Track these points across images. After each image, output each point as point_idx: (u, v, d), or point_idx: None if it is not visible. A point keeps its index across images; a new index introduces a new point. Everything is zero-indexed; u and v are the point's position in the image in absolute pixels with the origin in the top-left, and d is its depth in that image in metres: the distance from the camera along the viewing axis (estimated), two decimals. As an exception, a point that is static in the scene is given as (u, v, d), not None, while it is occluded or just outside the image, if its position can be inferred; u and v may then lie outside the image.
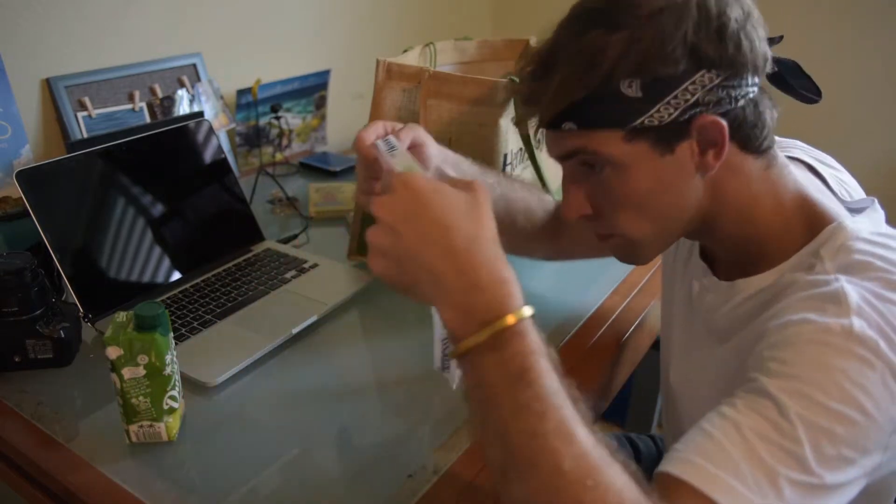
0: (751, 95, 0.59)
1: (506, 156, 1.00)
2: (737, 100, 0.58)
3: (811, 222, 0.61)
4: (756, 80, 0.59)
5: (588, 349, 0.89)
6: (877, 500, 0.60)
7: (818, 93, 0.65)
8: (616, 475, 0.47)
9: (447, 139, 0.96)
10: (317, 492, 0.67)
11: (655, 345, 1.10)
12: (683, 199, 0.62)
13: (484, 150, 0.98)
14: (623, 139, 0.58)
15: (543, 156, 1.08)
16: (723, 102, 0.57)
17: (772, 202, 0.63)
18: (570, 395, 0.49)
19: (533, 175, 1.04)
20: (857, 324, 0.51)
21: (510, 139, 0.99)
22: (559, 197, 1.06)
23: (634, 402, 1.56)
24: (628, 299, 1.02)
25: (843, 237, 0.58)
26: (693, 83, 0.56)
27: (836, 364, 0.50)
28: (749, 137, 0.60)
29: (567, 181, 0.65)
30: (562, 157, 0.64)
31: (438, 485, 0.67)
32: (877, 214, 0.65)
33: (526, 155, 1.04)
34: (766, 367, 0.52)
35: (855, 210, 0.64)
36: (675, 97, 0.56)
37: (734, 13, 0.56)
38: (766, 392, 0.50)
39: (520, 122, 0.68)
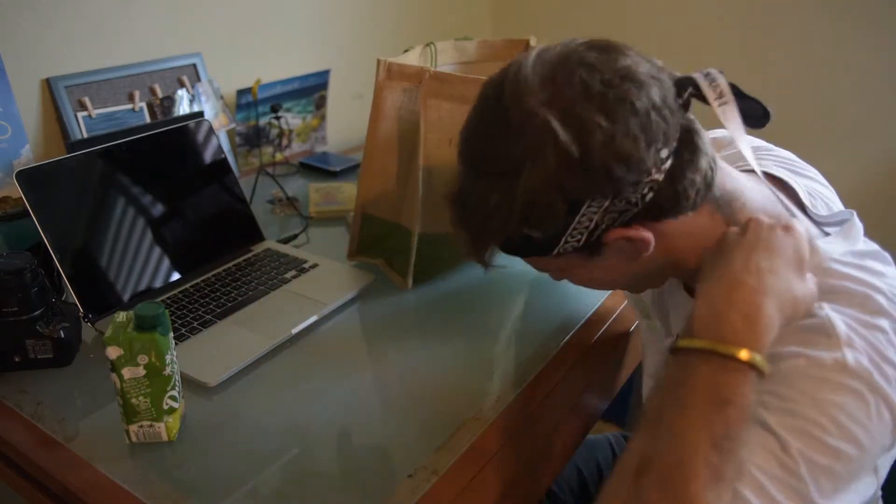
0: (658, 179, 0.54)
1: (506, 156, 1.00)
2: (641, 199, 0.54)
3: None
4: (663, 155, 0.53)
5: (588, 348, 0.89)
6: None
7: (766, 115, 0.58)
8: None
9: (447, 139, 0.95)
10: (316, 492, 0.67)
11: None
12: (639, 269, 0.61)
13: (484, 150, 0.98)
14: (553, 257, 0.59)
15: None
16: (624, 213, 0.55)
17: (709, 239, 0.60)
18: (743, 448, 0.49)
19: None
20: (850, 356, 0.51)
21: (510, 139, 0.99)
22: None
23: (635, 403, 1.56)
24: (628, 300, 1.02)
25: (815, 260, 0.58)
26: (583, 216, 0.54)
27: (833, 400, 0.50)
28: (675, 209, 0.56)
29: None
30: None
31: (438, 485, 0.67)
32: (854, 229, 0.63)
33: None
34: (764, 401, 0.52)
35: (832, 224, 0.63)
36: (572, 234, 0.56)
37: (597, 135, 0.51)
38: (767, 426, 0.50)
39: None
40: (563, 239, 0.56)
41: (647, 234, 0.56)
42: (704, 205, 0.58)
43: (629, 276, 0.64)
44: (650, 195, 0.54)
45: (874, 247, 0.62)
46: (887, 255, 0.61)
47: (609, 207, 0.54)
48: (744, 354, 0.50)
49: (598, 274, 0.63)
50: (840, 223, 0.63)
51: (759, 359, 0.50)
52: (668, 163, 0.54)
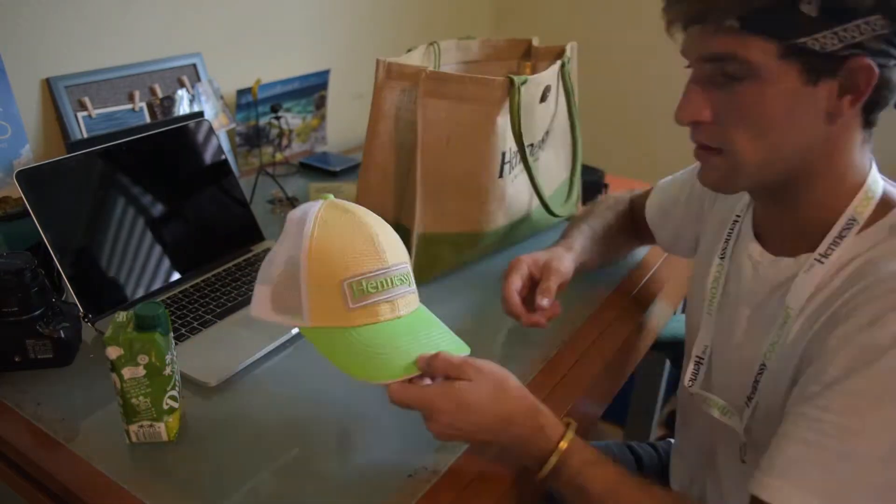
0: None
1: (504, 154, 1.00)
2: (893, 58, 0.58)
3: (882, 203, 0.64)
4: None
5: (588, 350, 0.89)
6: None
7: None
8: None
9: (445, 138, 0.96)
10: (316, 492, 0.67)
11: (655, 346, 1.11)
12: (803, 137, 0.62)
13: (482, 149, 0.98)
14: (777, 54, 0.58)
15: (538, 163, 1.09)
16: (882, 54, 0.57)
17: (856, 174, 0.65)
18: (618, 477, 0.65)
19: (527, 180, 1.04)
20: None
21: (508, 138, 0.99)
22: (555, 207, 1.07)
23: (634, 408, 1.56)
24: (628, 300, 1.02)
25: None
26: (867, 23, 0.56)
27: None
28: (880, 103, 0.61)
29: (693, 83, 0.65)
30: (705, 59, 0.63)
31: (438, 485, 0.67)
32: None
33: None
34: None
35: None
36: (846, 30, 0.56)
37: None
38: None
39: (671, 19, 0.65)
40: (827, 33, 0.56)
41: (874, 77, 0.58)
42: (867, 133, 0.65)
43: (786, 137, 0.62)
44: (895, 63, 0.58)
45: None
46: None
47: (887, 35, 0.57)
48: (563, 445, 0.65)
49: (778, 108, 0.60)
50: None
51: (566, 435, 0.66)
52: None
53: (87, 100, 1.16)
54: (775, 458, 0.58)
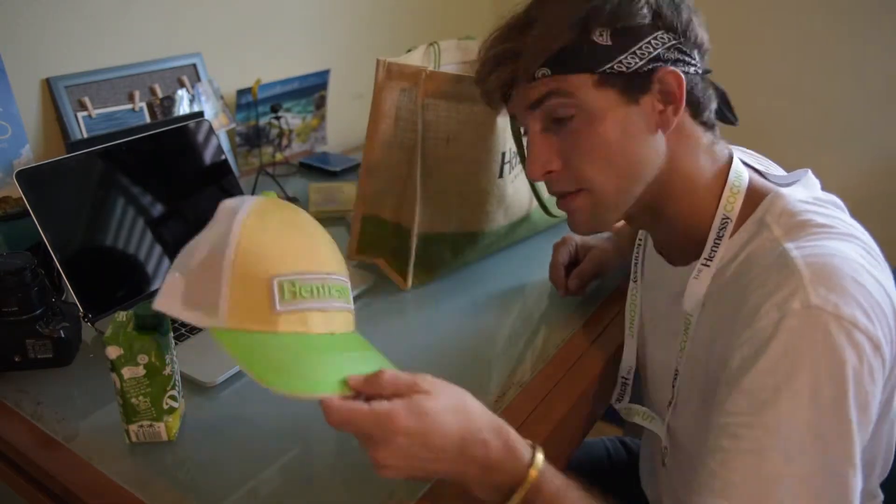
0: (699, 71, 0.67)
1: (503, 154, 1.00)
2: (689, 65, 0.65)
3: (749, 195, 0.66)
4: (701, 63, 0.67)
5: (588, 349, 0.89)
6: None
7: (735, 120, 0.74)
8: None
9: (445, 138, 0.96)
10: (316, 491, 0.67)
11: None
12: (647, 152, 0.66)
13: (481, 149, 0.98)
14: (593, 85, 0.64)
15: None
16: (679, 63, 0.64)
17: (713, 175, 0.68)
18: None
19: (526, 180, 1.04)
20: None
21: (507, 138, 0.99)
22: (553, 208, 1.07)
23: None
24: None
25: (781, 204, 0.63)
26: (655, 38, 0.64)
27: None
28: (700, 104, 0.67)
29: (534, 137, 0.69)
30: (532, 105, 0.67)
31: (438, 485, 0.67)
32: (811, 182, 0.69)
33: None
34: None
35: (791, 182, 0.68)
36: (640, 48, 0.63)
37: None
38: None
39: (488, 90, 0.74)
40: (626, 55, 0.63)
41: (682, 81, 0.64)
42: (709, 135, 0.69)
43: (632, 157, 0.66)
44: (692, 70, 0.65)
45: (833, 197, 0.67)
46: (842, 204, 0.68)
47: (674, 46, 0.64)
48: (533, 474, 0.55)
49: (612, 133, 0.65)
50: (797, 179, 0.69)
51: (535, 462, 0.56)
52: (703, 62, 0.67)
53: (87, 100, 1.16)
54: (701, 475, 0.57)
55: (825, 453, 0.52)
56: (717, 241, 0.65)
